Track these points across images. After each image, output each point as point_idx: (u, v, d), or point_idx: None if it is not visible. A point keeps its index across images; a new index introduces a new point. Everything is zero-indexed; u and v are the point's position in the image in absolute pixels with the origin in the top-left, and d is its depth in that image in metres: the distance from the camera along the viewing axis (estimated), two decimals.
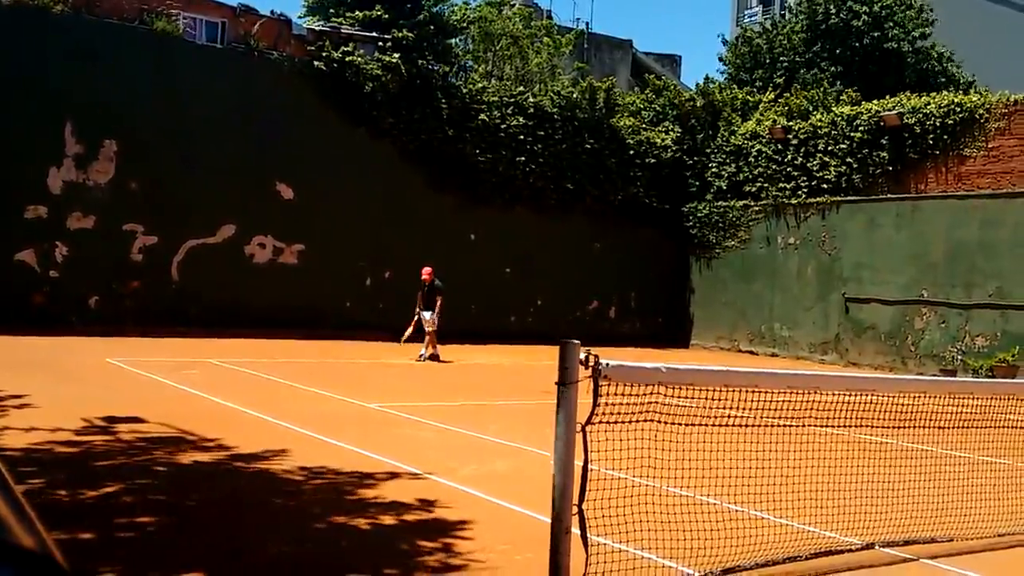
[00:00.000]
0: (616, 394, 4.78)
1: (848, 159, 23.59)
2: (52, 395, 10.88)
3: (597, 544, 4.83)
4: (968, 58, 32.98)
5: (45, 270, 19.70)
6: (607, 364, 4.74)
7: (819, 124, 24.40)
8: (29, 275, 19.50)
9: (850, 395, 6.39)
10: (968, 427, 7.13)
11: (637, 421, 4.97)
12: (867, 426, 6.82)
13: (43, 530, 1.42)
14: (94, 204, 20.13)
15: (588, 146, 26.02)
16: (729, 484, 6.09)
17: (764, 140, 25.62)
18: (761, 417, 5.73)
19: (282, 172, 22.13)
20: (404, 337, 18.87)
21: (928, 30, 32.08)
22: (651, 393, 5.06)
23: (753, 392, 5.73)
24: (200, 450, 8.45)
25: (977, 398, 7.16)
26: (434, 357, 18.28)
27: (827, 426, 6.32)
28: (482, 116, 24.46)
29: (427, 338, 18.36)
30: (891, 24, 31.20)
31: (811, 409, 5.91)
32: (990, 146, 21.12)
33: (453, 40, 27.26)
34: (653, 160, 26.92)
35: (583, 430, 4.66)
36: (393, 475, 7.79)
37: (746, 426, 5.77)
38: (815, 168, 24.27)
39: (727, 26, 49.52)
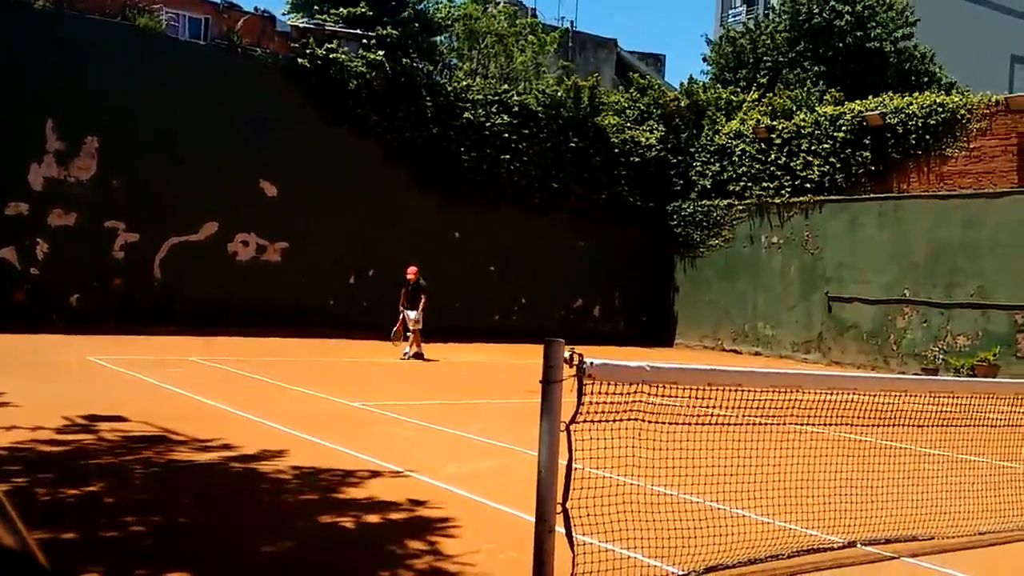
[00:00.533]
0: (600, 393, 4.78)
1: (831, 159, 23.72)
2: (33, 394, 10.80)
3: (582, 544, 4.83)
4: (950, 59, 33.25)
5: (26, 267, 19.56)
6: (591, 363, 4.73)
7: (802, 124, 24.51)
8: (9, 273, 19.35)
9: (832, 394, 6.41)
10: (949, 426, 7.17)
11: (621, 420, 4.98)
12: (849, 425, 6.85)
13: (24, 529, 1.41)
14: (75, 201, 19.98)
15: (572, 145, 26.06)
16: (712, 483, 6.10)
17: (748, 139, 25.72)
18: (744, 416, 5.75)
19: (265, 170, 22.03)
20: (393, 332, 18.73)
21: (910, 30, 32.33)
22: (635, 392, 5.06)
23: (736, 391, 5.74)
24: (184, 449, 8.40)
25: (958, 397, 7.20)
26: (418, 356, 18.28)
27: (809, 425, 6.35)
28: (467, 114, 24.44)
29: (412, 337, 18.36)
30: (873, 24, 31.42)
31: (793, 408, 5.93)
32: (971, 146, 21.27)
33: (438, 38, 27.24)
34: (637, 159, 26.99)
35: (567, 429, 4.66)
36: (377, 474, 7.78)
37: (729, 425, 5.78)
38: (798, 168, 24.39)
39: (711, 26, 49.79)
